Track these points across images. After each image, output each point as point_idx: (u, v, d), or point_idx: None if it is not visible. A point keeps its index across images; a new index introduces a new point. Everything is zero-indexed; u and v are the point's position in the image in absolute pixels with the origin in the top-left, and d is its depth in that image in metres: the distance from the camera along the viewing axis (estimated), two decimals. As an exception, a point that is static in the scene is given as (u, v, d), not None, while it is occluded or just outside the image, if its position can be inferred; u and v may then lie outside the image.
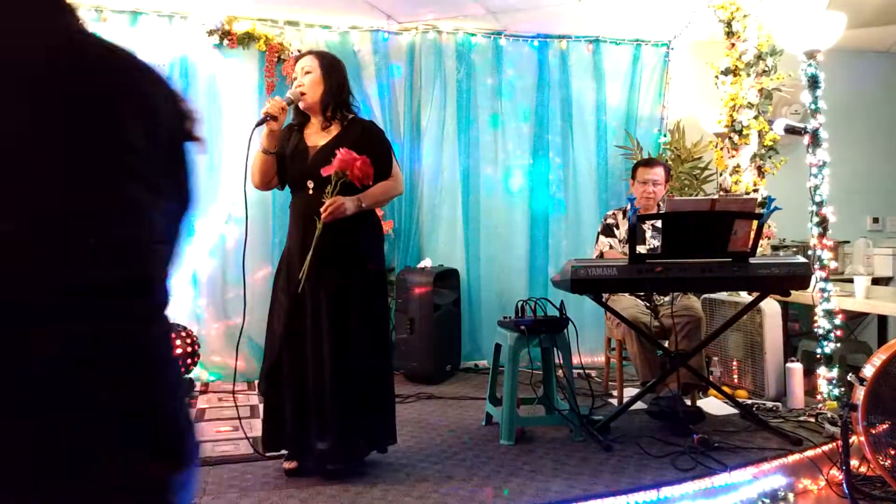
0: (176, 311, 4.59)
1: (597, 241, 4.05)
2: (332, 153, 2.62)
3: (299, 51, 4.71)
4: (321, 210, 2.60)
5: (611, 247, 3.95)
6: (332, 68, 2.83)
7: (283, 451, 2.81)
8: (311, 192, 2.71)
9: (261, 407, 2.88)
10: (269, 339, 2.80)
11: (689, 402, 3.60)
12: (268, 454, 2.85)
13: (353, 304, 2.70)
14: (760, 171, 4.44)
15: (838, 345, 3.54)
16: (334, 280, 2.68)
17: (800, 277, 3.12)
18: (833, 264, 3.61)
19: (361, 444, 2.77)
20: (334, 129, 2.79)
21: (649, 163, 4.02)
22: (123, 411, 0.85)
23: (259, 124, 2.71)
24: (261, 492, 2.59)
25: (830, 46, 3.65)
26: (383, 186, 2.79)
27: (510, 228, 5.18)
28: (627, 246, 3.42)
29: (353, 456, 2.76)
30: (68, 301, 0.82)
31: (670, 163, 5.05)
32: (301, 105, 2.79)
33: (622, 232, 3.96)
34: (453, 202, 5.10)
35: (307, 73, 2.78)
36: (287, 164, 2.79)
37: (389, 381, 2.88)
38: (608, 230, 4.01)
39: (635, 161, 4.49)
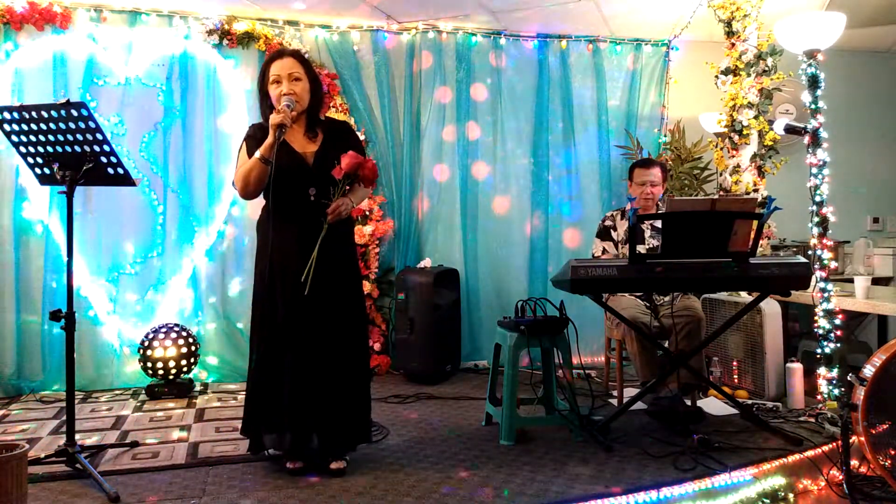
0: (176, 311, 4.59)
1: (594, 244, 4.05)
2: (331, 158, 2.69)
3: (280, 43, 4.69)
4: (327, 211, 2.67)
5: (604, 251, 3.93)
6: (315, 75, 2.84)
7: (283, 452, 2.81)
8: (312, 198, 2.72)
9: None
10: (256, 341, 2.79)
11: (689, 402, 3.60)
12: (267, 454, 2.87)
13: (345, 306, 2.77)
14: (760, 171, 4.44)
15: (838, 345, 3.54)
16: (333, 284, 2.72)
17: (800, 277, 3.12)
18: (833, 264, 3.61)
19: (343, 440, 2.78)
20: (319, 135, 2.81)
21: (645, 163, 3.97)
22: None
23: (279, 137, 2.59)
24: (261, 492, 2.59)
25: (830, 46, 3.65)
26: (363, 189, 2.87)
27: (510, 228, 5.18)
28: (627, 246, 3.41)
29: (336, 452, 2.78)
30: None
31: (670, 163, 5.05)
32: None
33: (621, 233, 3.94)
34: (453, 202, 5.09)
35: (296, 79, 2.74)
36: (281, 172, 2.64)
37: (368, 378, 2.93)
38: (604, 233, 4.00)
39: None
